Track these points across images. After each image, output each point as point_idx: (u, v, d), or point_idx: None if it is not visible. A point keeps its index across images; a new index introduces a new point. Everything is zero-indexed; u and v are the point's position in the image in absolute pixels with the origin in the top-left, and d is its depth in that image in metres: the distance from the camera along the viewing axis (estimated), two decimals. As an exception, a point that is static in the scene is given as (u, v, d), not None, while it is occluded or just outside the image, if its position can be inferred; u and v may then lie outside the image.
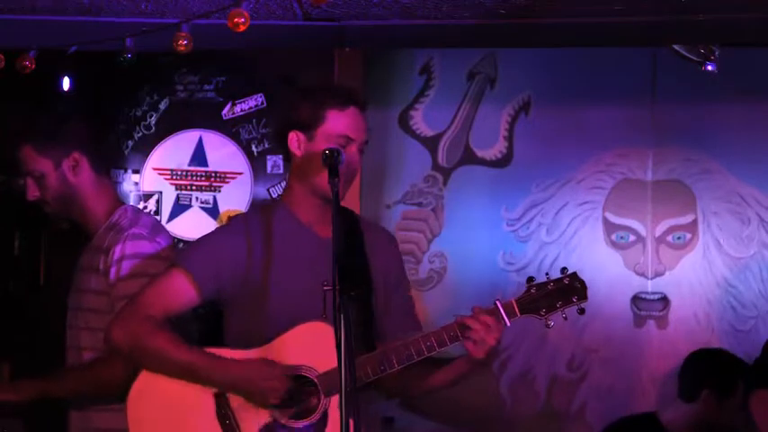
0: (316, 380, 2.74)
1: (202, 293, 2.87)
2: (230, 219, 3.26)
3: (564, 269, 2.88)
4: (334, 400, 2.68)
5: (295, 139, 2.89)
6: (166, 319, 2.89)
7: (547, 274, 2.87)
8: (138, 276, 3.09)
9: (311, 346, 2.75)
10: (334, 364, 2.65)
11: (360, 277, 2.85)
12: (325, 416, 2.73)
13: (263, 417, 2.76)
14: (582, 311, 2.86)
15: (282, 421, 2.74)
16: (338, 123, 2.84)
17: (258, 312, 2.83)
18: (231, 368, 2.76)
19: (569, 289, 2.85)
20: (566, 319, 2.85)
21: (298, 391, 2.75)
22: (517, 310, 2.80)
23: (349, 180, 2.88)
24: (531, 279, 2.84)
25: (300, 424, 2.74)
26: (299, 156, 2.90)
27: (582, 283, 2.87)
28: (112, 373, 2.96)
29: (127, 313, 2.88)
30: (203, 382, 2.79)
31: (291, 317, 2.78)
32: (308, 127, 2.86)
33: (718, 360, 4.35)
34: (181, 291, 2.87)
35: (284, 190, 3.02)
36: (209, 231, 3.10)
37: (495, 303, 2.79)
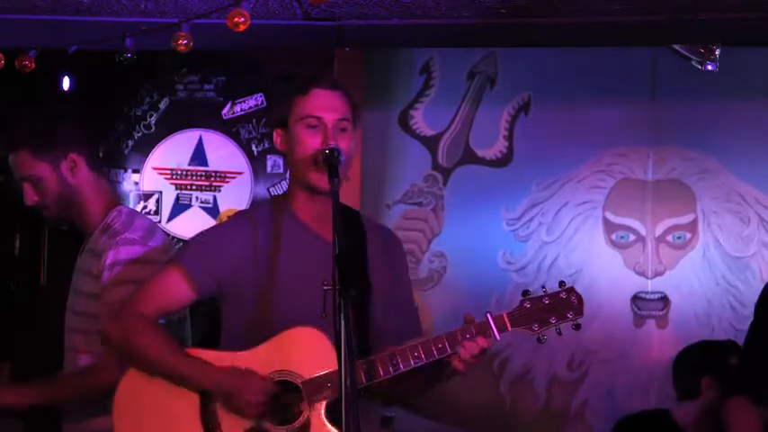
0: (300, 386, 2.73)
1: (198, 290, 2.85)
2: (230, 216, 3.23)
3: (562, 283, 2.78)
4: (318, 407, 2.68)
5: (277, 137, 2.89)
6: (162, 316, 2.89)
7: (543, 287, 2.77)
8: (131, 282, 3.05)
9: (300, 351, 2.72)
10: (321, 370, 2.68)
11: (356, 279, 2.80)
12: (307, 423, 2.70)
13: (247, 420, 2.75)
14: (577, 327, 2.75)
15: (265, 426, 2.73)
16: (303, 107, 2.81)
17: (254, 311, 2.81)
18: (215, 375, 2.74)
19: (565, 304, 2.75)
20: (560, 334, 2.76)
21: (281, 396, 2.74)
22: (508, 325, 2.72)
23: (345, 167, 2.83)
24: (526, 292, 2.75)
25: (282, 430, 2.73)
26: (284, 151, 2.90)
27: (579, 298, 2.76)
28: (112, 377, 2.94)
29: (122, 310, 2.87)
30: (186, 385, 2.78)
31: (288, 317, 2.76)
32: (284, 121, 2.86)
33: (704, 348, 4.37)
34: (175, 287, 2.85)
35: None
36: (207, 228, 3.07)
37: (486, 316, 2.72)
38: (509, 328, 2.73)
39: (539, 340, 2.75)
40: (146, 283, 2.89)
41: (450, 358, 2.70)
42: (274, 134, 2.90)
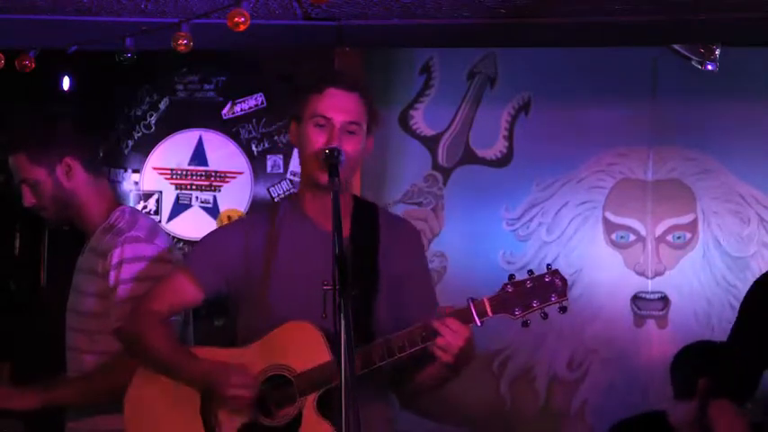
0: (293, 380, 2.74)
1: (205, 291, 2.92)
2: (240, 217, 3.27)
3: (548, 266, 2.73)
4: (309, 399, 2.71)
5: (293, 129, 2.92)
6: (173, 314, 2.99)
7: (529, 271, 2.72)
8: (139, 280, 3.10)
9: (292, 345, 2.75)
10: (312, 364, 2.71)
11: (363, 276, 2.82)
12: (299, 416, 2.72)
13: (244, 415, 2.77)
14: (563, 310, 2.69)
15: (259, 420, 2.75)
16: (315, 105, 2.83)
17: (261, 308, 2.85)
18: (204, 370, 2.79)
19: (548, 287, 2.69)
20: (545, 318, 2.70)
21: (274, 390, 2.76)
22: (489, 310, 2.68)
23: (349, 167, 2.85)
24: (511, 277, 2.71)
25: (275, 423, 2.74)
26: (295, 144, 2.94)
27: (563, 280, 2.70)
28: (122, 380, 2.95)
29: (136, 307, 2.95)
30: (180, 379, 2.83)
31: (293, 313, 2.79)
32: (299, 116, 2.88)
33: (702, 348, 4.36)
34: (183, 289, 2.92)
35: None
36: (212, 230, 3.12)
37: (468, 302, 2.70)
38: (489, 314, 2.69)
39: (524, 324, 2.70)
40: (158, 284, 2.98)
41: (433, 348, 2.68)
42: (291, 126, 2.93)
